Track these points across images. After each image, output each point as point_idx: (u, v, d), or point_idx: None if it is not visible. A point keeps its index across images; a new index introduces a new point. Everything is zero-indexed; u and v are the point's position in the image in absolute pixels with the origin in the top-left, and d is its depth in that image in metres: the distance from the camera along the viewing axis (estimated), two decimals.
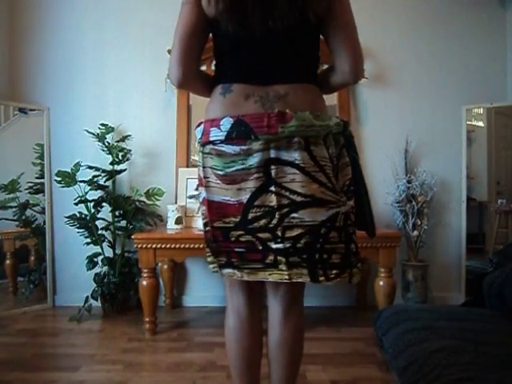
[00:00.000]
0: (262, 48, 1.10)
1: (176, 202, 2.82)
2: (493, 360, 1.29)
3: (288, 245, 1.07)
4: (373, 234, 1.20)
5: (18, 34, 3.01)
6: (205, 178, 1.13)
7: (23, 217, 2.90)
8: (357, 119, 3.00)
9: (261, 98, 1.08)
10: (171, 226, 2.59)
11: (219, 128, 1.07)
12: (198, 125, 1.17)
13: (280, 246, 1.07)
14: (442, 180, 2.94)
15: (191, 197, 2.75)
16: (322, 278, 1.09)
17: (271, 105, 1.07)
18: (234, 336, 1.23)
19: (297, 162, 1.04)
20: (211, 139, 1.09)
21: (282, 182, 1.05)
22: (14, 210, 2.86)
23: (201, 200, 1.19)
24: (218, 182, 1.10)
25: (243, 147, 1.05)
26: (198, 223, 2.58)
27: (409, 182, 2.82)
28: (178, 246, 2.33)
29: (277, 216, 1.06)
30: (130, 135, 2.90)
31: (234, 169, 1.07)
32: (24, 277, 2.90)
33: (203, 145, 1.12)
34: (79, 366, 1.98)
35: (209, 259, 1.22)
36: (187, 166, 2.92)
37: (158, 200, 2.79)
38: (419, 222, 2.78)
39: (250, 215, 1.07)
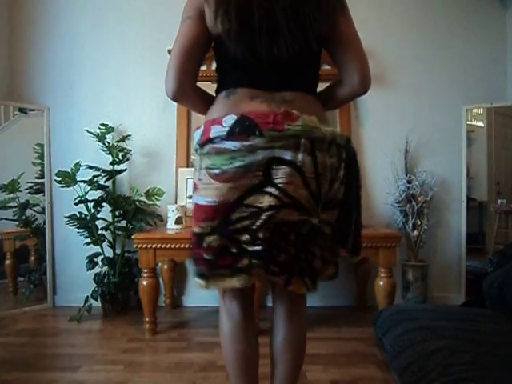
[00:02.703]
0: (267, 66, 1.09)
1: (176, 202, 2.82)
2: (493, 360, 1.29)
3: (265, 246, 1.04)
4: (353, 253, 1.17)
5: (18, 34, 3.01)
6: (199, 180, 1.10)
7: (23, 217, 2.90)
8: (357, 119, 3.00)
9: (266, 99, 1.07)
10: (171, 226, 2.59)
11: (221, 124, 1.04)
12: (197, 128, 1.13)
13: (258, 248, 1.04)
14: (441, 180, 2.94)
15: (191, 197, 2.75)
16: (289, 287, 1.10)
17: (278, 105, 1.06)
18: (229, 340, 1.23)
19: (299, 164, 1.02)
20: (211, 136, 1.05)
21: (278, 183, 1.02)
22: (14, 209, 2.86)
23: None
24: (211, 181, 1.06)
25: (245, 143, 1.01)
26: None
27: (409, 182, 2.82)
28: (177, 246, 2.33)
29: (263, 217, 1.03)
30: (130, 135, 2.90)
31: (231, 166, 1.03)
32: (24, 277, 2.90)
33: (202, 145, 1.08)
34: (79, 366, 1.98)
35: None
36: (187, 166, 2.92)
37: (157, 200, 2.79)
38: (419, 222, 2.78)
39: (235, 215, 1.04)
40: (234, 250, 1.06)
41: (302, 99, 1.10)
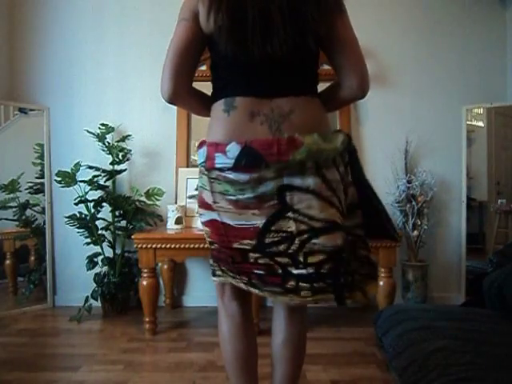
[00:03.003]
0: (261, 67, 1.08)
1: (176, 202, 2.82)
2: (493, 360, 1.29)
3: (311, 271, 1.05)
4: (395, 238, 1.21)
5: (18, 34, 3.01)
6: (214, 203, 1.10)
7: (23, 217, 2.90)
8: (357, 119, 3.00)
9: (266, 117, 1.05)
10: (171, 226, 2.59)
11: (225, 155, 1.03)
12: (200, 145, 1.12)
13: (303, 271, 1.05)
14: (441, 180, 2.94)
15: (191, 197, 2.75)
16: (348, 301, 1.10)
17: (278, 126, 1.04)
18: (228, 340, 1.23)
19: (311, 187, 1.02)
20: (217, 166, 1.05)
21: (299, 209, 1.03)
22: (14, 209, 2.86)
23: (203, 221, 1.18)
24: (230, 206, 1.07)
25: (253, 175, 1.01)
26: (198, 223, 2.58)
27: (409, 182, 2.82)
28: (177, 246, 2.33)
29: (296, 242, 1.04)
30: (130, 135, 2.90)
31: (245, 196, 1.04)
32: (24, 277, 2.90)
33: (208, 170, 1.08)
34: (79, 366, 1.98)
35: (217, 273, 1.22)
36: (187, 166, 2.92)
37: (157, 200, 2.79)
38: (419, 222, 2.78)
39: (267, 240, 1.05)
40: (279, 271, 1.07)
41: (301, 108, 1.07)
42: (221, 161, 1.04)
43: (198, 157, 1.13)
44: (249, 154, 1.01)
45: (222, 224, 1.11)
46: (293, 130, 1.03)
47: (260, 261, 1.08)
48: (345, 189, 1.09)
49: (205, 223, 1.18)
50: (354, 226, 1.12)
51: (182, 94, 1.16)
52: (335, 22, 1.11)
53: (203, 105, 1.20)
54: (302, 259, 1.05)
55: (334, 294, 1.08)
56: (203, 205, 1.15)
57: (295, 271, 1.06)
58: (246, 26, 1.04)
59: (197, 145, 1.16)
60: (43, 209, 2.96)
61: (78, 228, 2.76)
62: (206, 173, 1.10)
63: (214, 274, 1.24)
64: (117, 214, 2.84)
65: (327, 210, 1.04)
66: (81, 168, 2.76)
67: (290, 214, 1.03)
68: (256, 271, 1.10)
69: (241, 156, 1.01)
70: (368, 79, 1.16)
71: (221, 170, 1.05)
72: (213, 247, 1.20)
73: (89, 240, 2.79)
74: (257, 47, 1.04)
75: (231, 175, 1.03)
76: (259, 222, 1.05)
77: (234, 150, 1.02)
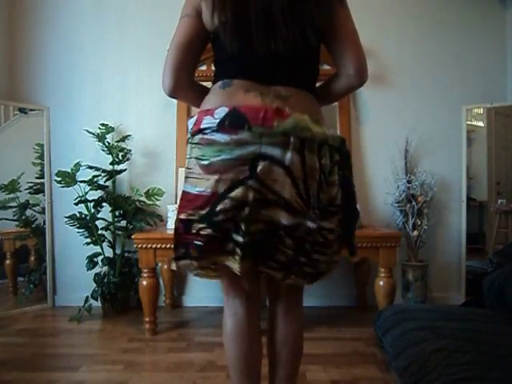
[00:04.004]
0: (264, 62, 1.10)
1: (176, 202, 2.82)
2: (493, 360, 1.29)
3: (247, 239, 1.05)
4: (353, 254, 1.19)
5: (18, 34, 3.01)
6: (187, 168, 1.11)
7: (23, 217, 2.90)
8: (357, 119, 3.00)
9: (262, 93, 1.07)
10: (171, 226, 2.58)
11: (213, 116, 1.04)
12: (192, 116, 1.14)
13: (240, 239, 1.05)
14: (441, 180, 2.94)
15: None
16: (262, 267, 1.11)
17: (271, 100, 1.05)
18: (232, 339, 1.22)
19: (287, 163, 1.02)
20: (202, 127, 1.06)
21: (264, 180, 1.02)
22: (14, 209, 2.86)
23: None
24: (200, 172, 1.06)
25: (234, 136, 1.02)
26: None
27: (409, 182, 2.82)
28: None
29: (246, 211, 1.03)
30: (130, 135, 2.90)
31: (219, 158, 1.03)
32: (24, 277, 2.90)
33: (193, 134, 1.10)
34: (79, 366, 1.98)
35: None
36: None
37: (158, 200, 2.79)
38: (419, 222, 2.78)
39: (219, 206, 1.04)
40: (220, 237, 1.07)
41: (298, 96, 1.09)
42: (207, 121, 1.05)
43: (188, 125, 1.14)
44: (234, 115, 1.02)
45: (182, 194, 1.11)
46: (284, 106, 1.04)
47: (202, 232, 1.07)
48: (322, 183, 1.07)
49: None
50: (328, 229, 1.09)
51: (183, 88, 1.18)
52: (335, 15, 1.12)
53: (204, 98, 1.21)
54: (244, 227, 1.04)
55: (281, 271, 1.09)
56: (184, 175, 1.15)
57: (235, 237, 1.06)
58: (250, 24, 1.06)
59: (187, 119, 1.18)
60: (43, 209, 2.96)
61: (77, 228, 2.76)
62: (190, 139, 1.11)
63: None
64: (117, 213, 2.84)
65: (289, 189, 1.03)
66: (81, 168, 2.76)
67: (251, 183, 1.02)
68: (196, 242, 1.08)
69: (226, 116, 1.03)
70: (366, 67, 1.17)
71: (204, 131, 1.06)
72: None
73: (89, 240, 2.79)
74: (261, 45, 1.06)
75: (213, 136, 1.04)
76: (221, 188, 1.03)
77: (221, 112, 1.04)
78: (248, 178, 1.02)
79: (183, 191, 1.11)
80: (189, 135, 1.13)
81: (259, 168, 1.02)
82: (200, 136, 1.07)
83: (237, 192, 1.03)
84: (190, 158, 1.10)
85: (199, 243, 1.08)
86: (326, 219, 1.09)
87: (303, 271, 1.11)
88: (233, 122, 1.02)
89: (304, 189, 1.05)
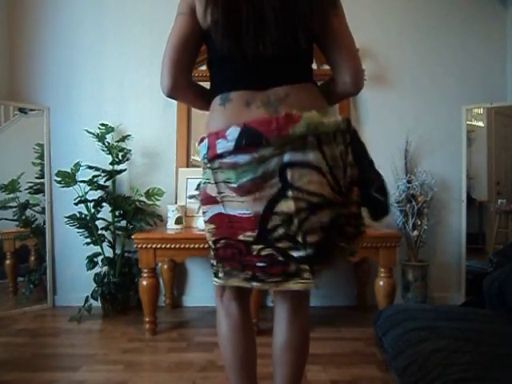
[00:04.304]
0: (254, 64, 1.09)
1: (176, 202, 2.82)
2: (493, 360, 1.29)
3: (310, 251, 1.04)
4: (381, 214, 1.19)
5: (17, 34, 3.01)
6: (219, 193, 1.09)
7: (23, 217, 2.90)
8: (357, 119, 3.00)
9: (262, 103, 1.06)
10: (171, 226, 2.59)
11: (226, 139, 1.03)
12: (201, 140, 1.13)
13: (302, 253, 1.04)
14: (441, 180, 2.94)
15: (191, 197, 2.74)
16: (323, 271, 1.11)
17: (276, 108, 1.05)
18: (227, 340, 1.23)
19: (312, 162, 1.03)
20: (219, 152, 1.04)
21: (299, 186, 1.02)
22: (14, 210, 2.86)
23: (207, 218, 1.17)
24: (233, 194, 1.06)
25: (255, 155, 1.01)
26: (198, 223, 2.58)
27: (409, 181, 2.82)
28: (177, 246, 2.33)
29: (295, 222, 1.03)
30: (129, 135, 2.90)
31: (247, 179, 1.03)
32: (24, 277, 2.90)
33: (211, 160, 1.08)
34: (79, 366, 1.98)
35: (220, 274, 1.20)
36: (187, 166, 2.92)
37: (157, 200, 2.79)
38: (419, 222, 2.78)
39: (270, 224, 1.04)
40: (281, 259, 1.07)
41: (296, 91, 1.09)
42: (222, 146, 1.04)
43: (200, 152, 1.13)
44: (248, 133, 1.01)
45: (227, 216, 1.10)
46: (290, 109, 1.04)
47: (262, 252, 1.08)
48: (344, 167, 1.09)
49: (209, 220, 1.16)
50: (350, 203, 1.12)
51: (181, 88, 1.17)
52: (329, 18, 1.11)
53: (203, 98, 1.21)
54: (301, 240, 1.04)
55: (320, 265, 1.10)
56: (207, 199, 1.15)
57: (296, 254, 1.05)
58: (241, 24, 1.05)
59: (197, 142, 1.16)
60: (43, 209, 2.96)
61: (77, 228, 2.76)
62: (208, 165, 1.10)
63: (217, 276, 1.22)
64: (117, 214, 2.84)
65: (324, 187, 1.04)
66: (81, 168, 2.76)
67: (290, 193, 1.03)
68: (259, 264, 1.09)
69: (241, 136, 1.02)
70: (361, 76, 1.17)
71: (222, 156, 1.05)
72: (218, 245, 1.17)
73: (89, 240, 2.79)
74: (249, 46, 1.06)
75: (233, 159, 1.03)
76: (260, 208, 1.04)
77: (233, 132, 1.03)
78: (285, 190, 1.03)
79: (228, 215, 1.10)
80: (205, 160, 1.11)
81: (289, 177, 1.02)
82: (220, 160, 1.06)
83: (280, 206, 1.03)
84: (217, 182, 1.09)
85: (263, 264, 1.08)
86: (347, 195, 1.11)
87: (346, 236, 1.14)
88: (249, 140, 1.01)
89: (334, 181, 1.06)
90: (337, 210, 1.07)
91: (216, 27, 1.06)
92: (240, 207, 1.06)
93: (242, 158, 1.02)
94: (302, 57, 1.15)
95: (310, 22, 1.07)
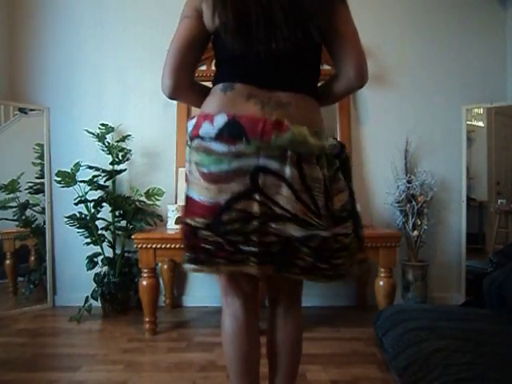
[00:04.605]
0: (265, 62, 1.09)
1: (176, 202, 2.82)
2: (493, 360, 1.29)
3: (262, 249, 1.05)
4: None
5: (18, 34, 3.01)
6: (189, 171, 1.11)
7: (23, 217, 2.90)
8: (357, 119, 3.00)
9: (262, 102, 1.06)
10: (171, 226, 2.58)
11: (212, 123, 1.04)
12: (192, 118, 1.14)
13: (253, 249, 1.05)
14: (441, 180, 2.94)
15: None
16: (285, 273, 1.10)
17: (272, 111, 1.05)
18: (231, 340, 1.22)
19: (287, 177, 1.02)
20: (201, 133, 1.06)
21: (267, 193, 1.03)
22: (14, 209, 2.86)
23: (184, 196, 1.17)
24: (200, 179, 1.06)
25: (232, 148, 1.02)
26: None
27: (409, 182, 2.82)
28: (178, 246, 2.33)
29: (255, 223, 1.04)
30: (130, 135, 2.90)
31: (218, 168, 1.03)
32: (24, 277, 2.90)
33: (192, 138, 1.10)
34: (79, 366, 1.98)
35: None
36: None
37: (157, 200, 2.79)
38: (419, 222, 2.78)
39: (225, 217, 1.04)
40: (228, 248, 1.07)
41: (299, 103, 1.09)
42: (205, 129, 1.05)
43: (188, 127, 1.13)
44: (233, 125, 1.02)
45: (187, 198, 1.11)
46: (283, 117, 1.04)
47: (210, 239, 1.07)
48: (329, 192, 1.07)
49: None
50: (342, 234, 1.10)
51: (183, 89, 1.17)
52: (336, 14, 1.12)
53: (205, 97, 1.20)
54: (255, 239, 1.04)
55: (274, 264, 1.08)
56: (185, 176, 1.15)
57: (246, 248, 1.06)
58: (251, 23, 1.06)
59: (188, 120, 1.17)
60: (43, 209, 2.96)
61: (77, 228, 2.76)
62: (189, 143, 1.11)
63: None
64: (117, 214, 2.84)
65: (294, 204, 1.03)
66: (81, 168, 2.76)
67: (256, 196, 1.03)
68: (204, 245, 1.08)
69: (225, 127, 1.02)
70: (366, 69, 1.17)
71: (202, 138, 1.05)
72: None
73: (89, 240, 2.79)
74: (262, 44, 1.06)
75: (212, 145, 1.04)
76: (221, 199, 1.04)
77: (220, 120, 1.03)
78: (252, 191, 1.03)
79: (187, 196, 1.11)
80: (188, 137, 1.13)
81: (260, 181, 1.02)
82: (199, 141, 1.07)
83: (243, 204, 1.03)
84: (190, 161, 1.11)
85: (209, 247, 1.08)
86: (340, 225, 1.09)
87: (326, 274, 1.12)
88: (231, 132, 1.02)
89: (311, 201, 1.04)
90: (311, 230, 1.05)
91: (226, 28, 1.07)
92: (202, 193, 1.06)
93: (220, 147, 1.03)
94: (312, 57, 1.15)
95: (318, 17, 1.08)
